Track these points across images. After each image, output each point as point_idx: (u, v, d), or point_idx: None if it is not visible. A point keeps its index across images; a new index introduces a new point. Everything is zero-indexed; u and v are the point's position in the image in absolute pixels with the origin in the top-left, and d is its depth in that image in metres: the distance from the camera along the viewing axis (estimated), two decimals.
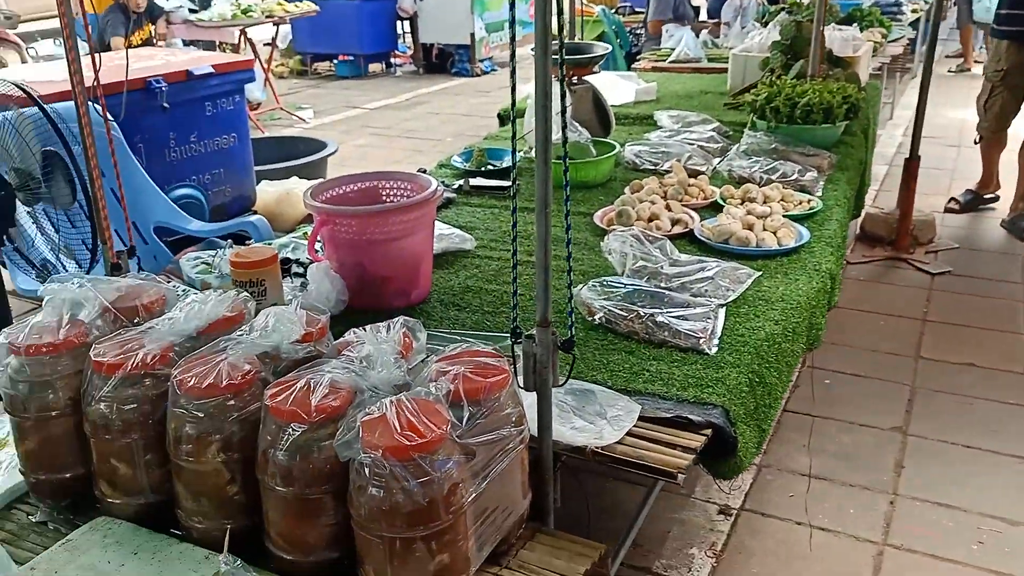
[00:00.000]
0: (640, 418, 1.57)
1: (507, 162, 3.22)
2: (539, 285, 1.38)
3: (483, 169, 3.14)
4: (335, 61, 11.17)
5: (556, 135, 3.06)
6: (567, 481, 1.75)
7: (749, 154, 3.11)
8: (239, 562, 1.18)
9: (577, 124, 3.11)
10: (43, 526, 1.42)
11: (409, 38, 11.45)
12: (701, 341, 1.82)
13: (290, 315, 1.40)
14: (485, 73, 10.66)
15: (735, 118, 3.71)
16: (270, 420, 1.23)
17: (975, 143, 5.05)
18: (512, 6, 1.36)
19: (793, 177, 2.85)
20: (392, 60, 11.44)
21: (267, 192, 4.16)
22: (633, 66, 5.69)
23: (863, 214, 4.65)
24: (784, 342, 1.91)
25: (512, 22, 1.40)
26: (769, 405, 1.82)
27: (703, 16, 8.20)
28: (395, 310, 2.01)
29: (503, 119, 4.21)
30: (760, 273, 2.18)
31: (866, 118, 3.84)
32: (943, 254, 4.47)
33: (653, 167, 3.11)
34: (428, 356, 1.39)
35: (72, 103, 1.85)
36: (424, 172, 3.09)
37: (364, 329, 1.41)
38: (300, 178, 4.39)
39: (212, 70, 3.83)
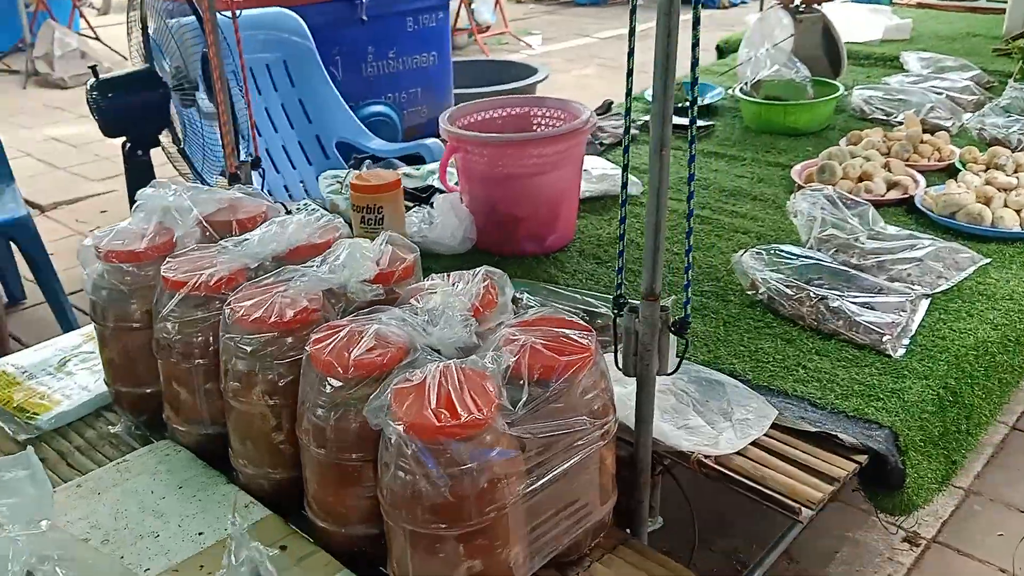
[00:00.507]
0: (776, 427, 1.25)
1: (710, 99, 2.85)
2: (648, 248, 1.10)
3: (677, 106, 2.79)
4: None
5: (767, 71, 2.67)
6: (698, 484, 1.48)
7: (1010, 111, 2.51)
8: (245, 527, 1.04)
9: (797, 60, 2.67)
10: (117, 438, 1.38)
11: None
12: (884, 339, 1.44)
13: (365, 249, 1.23)
14: (733, 6, 9.89)
15: (1004, 67, 3.04)
16: (310, 369, 1.07)
17: None
18: None
19: None
20: None
21: None
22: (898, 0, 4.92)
23: None
24: (1001, 353, 1.48)
25: None
26: (967, 432, 1.42)
27: None
28: (527, 256, 1.80)
29: (722, 51, 3.77)
30: (989, 260, 1.71)
31: None
32: None
33: (885, 117, 2.60)
34: (509, 317, 1.16)
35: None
36: (610, 104, 2.82)
37: (445, 276, 1.21)
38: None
39: None
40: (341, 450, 1.06)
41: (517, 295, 1.51)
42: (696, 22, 1.07)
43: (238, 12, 1.83)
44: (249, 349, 1.13)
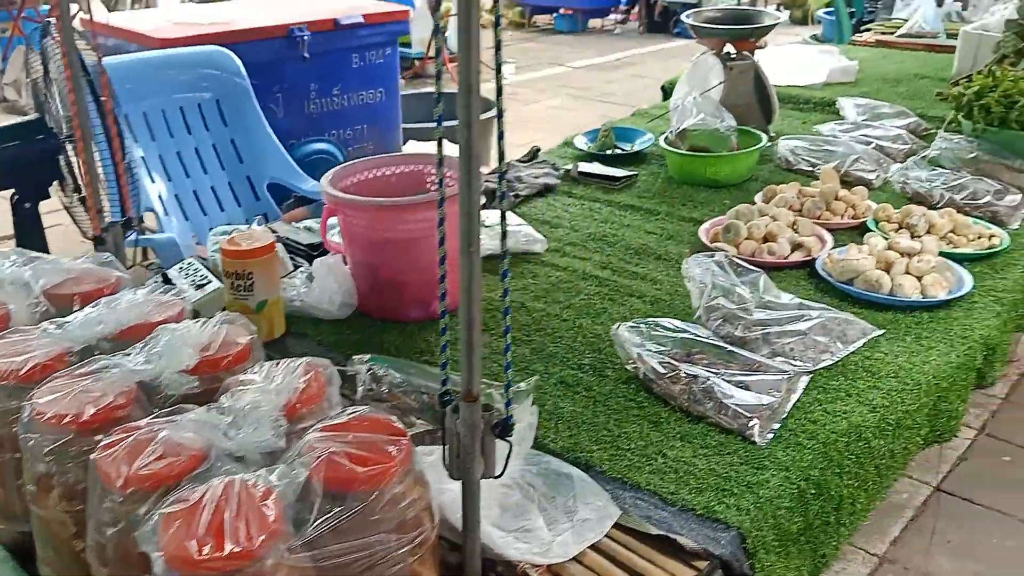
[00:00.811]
0: (620, 527, 1.19)
1: (639, 145, 2.81)
2: (464, 342, 1.04)
3: (606, 153, 2.75)
4: (555, 15, 10.90)
5: (693, 120, 2.63)
6: None
7: (937, 163, 2.47)
8: None
9: (724, 109, 2.63)
10: None
11: None
12: (752, 424, 1.38)
13: (187, 335, 1.17)
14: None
15: (945, 112, 3.01)
16: (95, 479, 1.00)
17: None
18: None
19: (984, 200, 2.21)
20: (612, 16, 10.99)
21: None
22: (854, 36, 4.91)
23: None
24: (877, 438, 1.42)
25: None
26: (838, 523, 1.36)
27: None
28: (411, 322, 1.74)
29: (667, 92, 3.73)
30: (882, 332, 1.66)
31: None
32: None
33: (810, 168, 2.56)
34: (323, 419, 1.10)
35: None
36: (537, 151, 2.78)
37: (270, 366, 1.15)
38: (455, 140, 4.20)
39: (362, 20, 3.69)
40: (125, 573, 0.99)
41: (380, 372, 1.45)
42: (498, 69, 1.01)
43: (135, 56, 1.79)
44: (46, 450, 1.07)
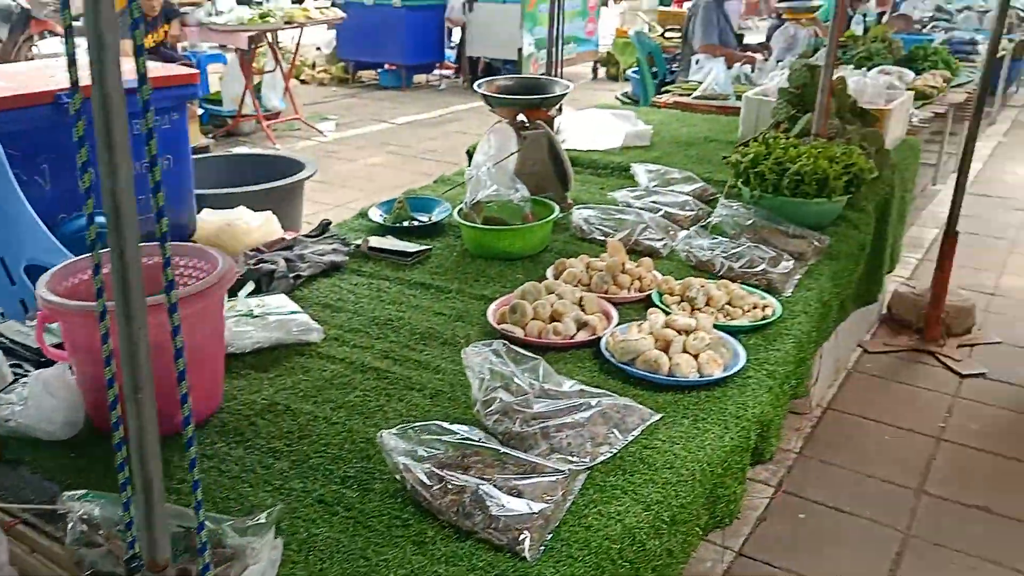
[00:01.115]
0: None
1: (437, 216, 2.73)
2: (139, 504, 0.87)
3: (400, 225, 2.65)
4: (380, 70, 10.87)
5: (487, 191, 2.58)
6: None
7: (719, 229, 2.55)
8: None
9: (518, 179, 2.60)
10: None
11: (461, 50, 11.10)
12: (522, 537, 1.28)
13: None
14: None
15: (730, 176, 3.14)
16: None
17: None
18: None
19: (760, 268, 2.28)
20: (438, 72, 11.09)
21: (207, 222, 3.73)
22: (656, 97, 5.13)
23: (891, 292, 4.01)
24: (652, 539, 1.36)
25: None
26: None
27: (760, 40, 7.56)
28: None
29: (472, 156, 3.71)
30: (660, 416, 1.63)
31: (888, 186, 3.21)
32: (981, 350, 3.79)
33: (603, 237, 2.57)
34: None
35: None
36: (327, 225, 2.64)
37: None
38: (254, 207, 3.96)
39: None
40: None
41: (95, 511, 1.25)
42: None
43: None
44: None
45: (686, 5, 12.59)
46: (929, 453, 2.98)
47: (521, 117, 2.83)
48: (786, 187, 2.61)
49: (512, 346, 1.70)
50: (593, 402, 1.60)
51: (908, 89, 4.70)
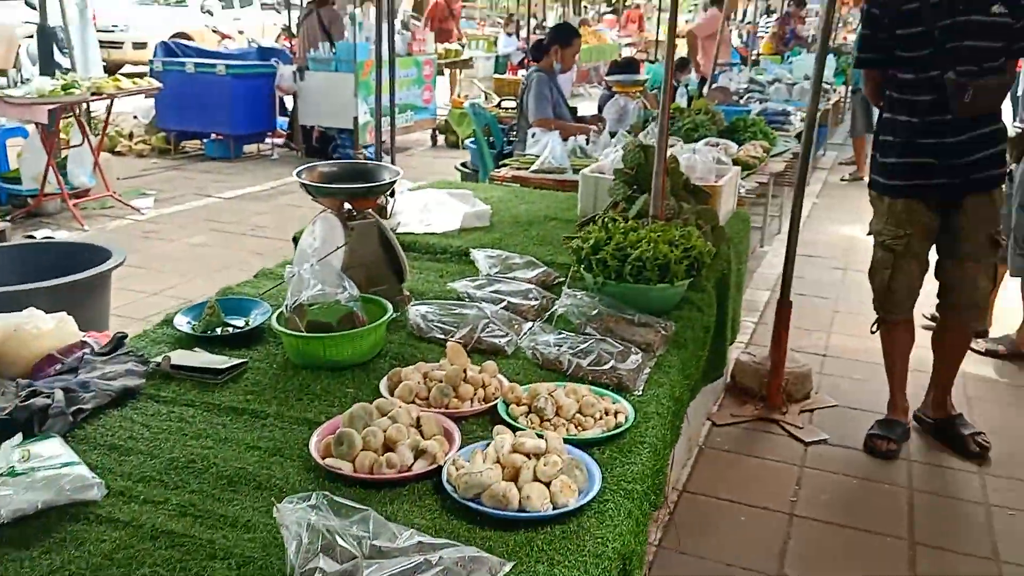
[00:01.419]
0: None
1: (255, 319, 2.44)
2: None
3: (210, 334, 2.34)
4: (206, 140, 10.34)
5: (310, 292, 2.31)
6: None
7: (565, 320, 2.41)
8: None
9: (346, 276, 2.36)
10: None
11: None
12: None
13: None
14: (369, 159, 9.98)
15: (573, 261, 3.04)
16: None
17: (872, 332, 3.70)
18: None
19: (608, 365, 2.14)
20: (269, 141, 10.69)
21: None
22: (492, 172, 5.05)
23: (733, 361, 4.04)
24: None
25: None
26: None
27: (593, 108, 7.75)
28: None
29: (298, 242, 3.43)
30: (512, 564, 1.42)
31: (725, 262, 3.23)
32: (820, 414, 3.87)
33: (443, 336, 2.37)
34: None
35: None
36: (122, 338, 2.29)
37: None
38: (49, 306, 3.49)
39: None
40: None
41: None
42: None
43: None
44: None
45: (521, 73, 12.93)
46: (784, 532, 2.93)
47: (348, 206, 2.61)
48: (629, 274, 2.52)
49: (335, 497, 1.44)
50: (434, 559, 1.37)
51: (733, 161, 4.89)
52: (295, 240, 3.44)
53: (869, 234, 3.63)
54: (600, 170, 3.78)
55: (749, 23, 17.33)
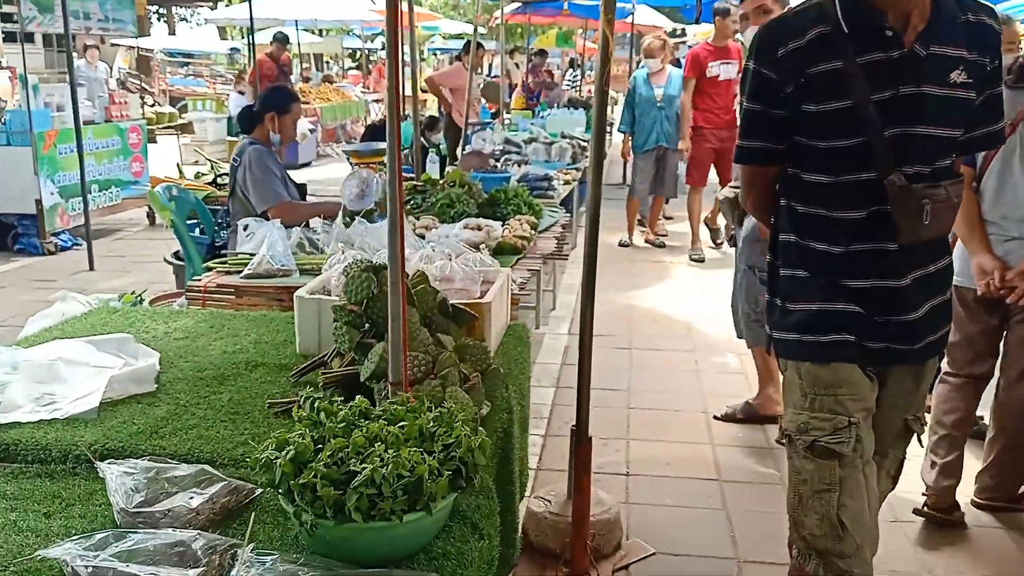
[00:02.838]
0: None
1: None
2: None
3: None
4: None
5: None
6: None
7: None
8: None
9: None
10: None
11: None
12: None
13: None
14: (63, 249, 8.19)
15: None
16: None
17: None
18: None
19: None
20: None
21: None
22: (191, 281, 3.82)
23: (524, 511, 3.12)
24: None
25: None
26: None
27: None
28: None
29: None
30: None
31: (505, 413, 2.32)
32: (637, 570, 3.04)
33: None
34: None
35: None
36: None
37: None
38: None
39: None
40: None
41: None
42: None
43: None
44: None
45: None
46: None
47: None
48: (356, 507, 1.49)
49: None
50: None
51: (498, 246, 4.06)
52: None
53: (781, 439, 2.26)
54: (325, 286, 2.75)
55: (496, 76, 17.22)
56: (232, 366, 2.52)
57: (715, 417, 4.34)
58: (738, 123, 3.50)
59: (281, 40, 13.53)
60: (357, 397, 1.79)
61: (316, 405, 1.71)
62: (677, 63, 8.88)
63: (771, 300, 2.32)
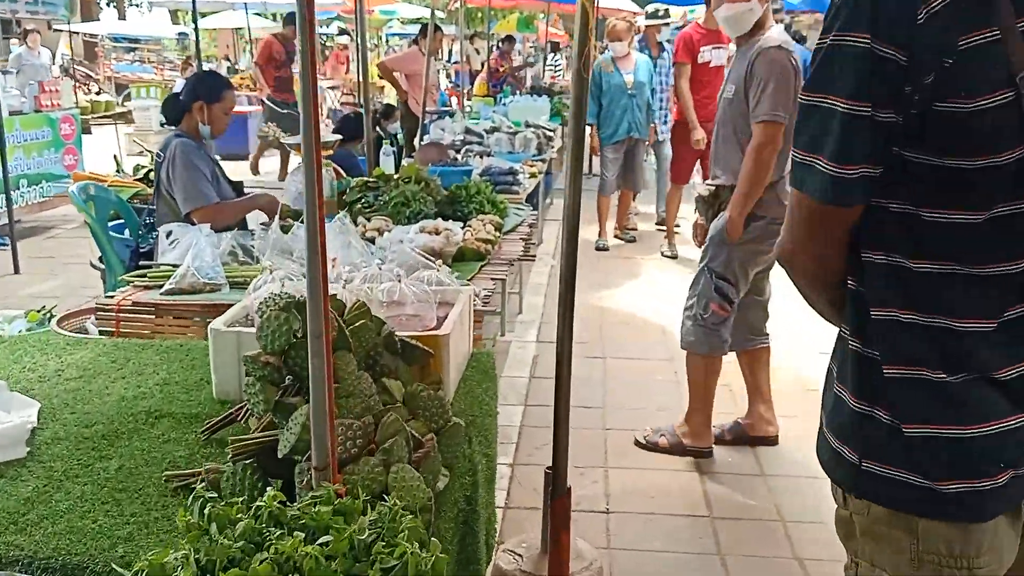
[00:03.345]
0: None
1: None
2: None
3: None
4: None
5: None
6: None
7: None
8: None
9: None
10: None
11: None
12: None
13: None
14: None
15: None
16: None
17: None
18: None
19: None
20: None
21: None
22: (105, 297, 3.30)
23: (492, 566, 2.69)
24: None
25: None
26: None
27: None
28: None
29: None
30: None
31: (468, 474, 1.88)
32: None
33: None
34: None
35: None
36: None
37: None
38: None
39: None
40: None
41: None
42: None
43: None
44: None
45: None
46: None
47: None
48: None
49: None
50: None
51: (459, 252, 3.60)
52: None
53: None
54: (249, 314, 2.27)
55: (456, 63, 16.66)
56: (129, 418, 2.04)
57: (636, 443, 3.85)
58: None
59: (293, 21, 12.70)
60: (268, 490, 1.33)
61: (208, 511, 1.24)
62: (661, 48, 8.30)
63: (859, 407, 1.39)
